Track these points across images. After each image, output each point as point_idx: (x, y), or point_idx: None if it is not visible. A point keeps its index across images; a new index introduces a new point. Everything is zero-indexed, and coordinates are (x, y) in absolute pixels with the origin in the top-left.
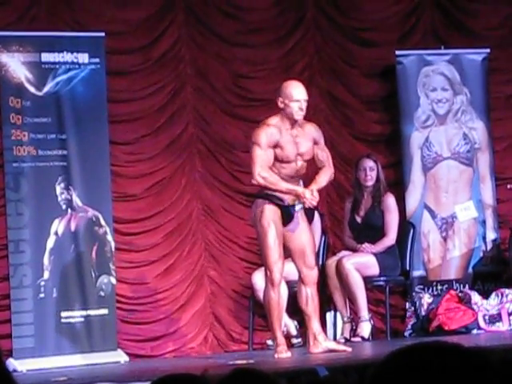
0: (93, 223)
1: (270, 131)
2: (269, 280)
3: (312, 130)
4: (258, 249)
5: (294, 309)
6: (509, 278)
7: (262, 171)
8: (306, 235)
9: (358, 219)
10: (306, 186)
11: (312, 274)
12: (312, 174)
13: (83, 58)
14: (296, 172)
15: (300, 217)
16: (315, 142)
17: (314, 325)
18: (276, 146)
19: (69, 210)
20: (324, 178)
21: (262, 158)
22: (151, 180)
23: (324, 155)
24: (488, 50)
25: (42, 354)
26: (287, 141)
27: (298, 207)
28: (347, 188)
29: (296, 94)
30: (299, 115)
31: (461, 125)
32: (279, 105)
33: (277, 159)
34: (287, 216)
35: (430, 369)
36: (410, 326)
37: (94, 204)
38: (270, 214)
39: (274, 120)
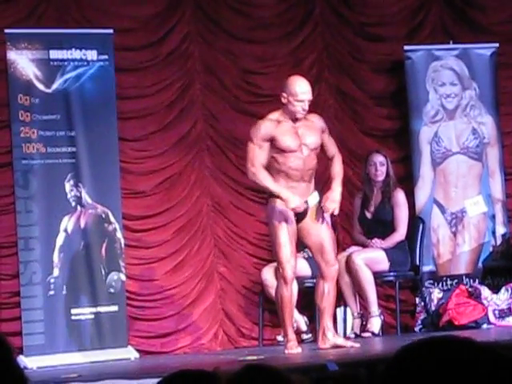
0: (102, 220)
1: (264, 125)
2: (281, 277)
3: (316, 120)
4: (269, 245)
5: (304, 304)
6: None
7: (254, 168)
8: (325, 231)
9: (368, 214)
10: (317, 182)
11: (331, 271)
12: (323, 169)
13: (92, 54)
14: (304, 164)
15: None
16: (322, 131)
17: (326, 321)
18: (272, 139)
19: (78, 207)
20: (338, 180)
21: (255, 154)
22: (160, 176)
23: (331, 144)
24: (497, 45)
25: (52, 351)
26: (286, 131)
27: (311, 203)
28: (357, 183)
29: (301, 94)
30: (301, 114)
31: (470, 119)
32: (282, 100)
33: (278, 150)
34: (299, 214)
35: (441, 363)
36: (420, 321)
37: (104, 201)
38: (283, 211)
39: (274, 115)
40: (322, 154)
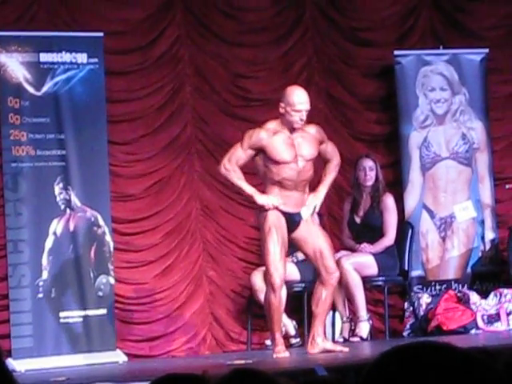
0: (91, 223)
1: (258, 134)
2: (269, 284)
3: (314, 131)
4: (258, 249)
5: (293, 309)
6: (507, 278)
7: (229, 164)
8: (321, 238)
9: (357, 219)
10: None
11: (332, 277)
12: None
13: (82, 57)
14: (298, 175)
15: (310, 221)
16: (321, 143)
17: (317, 326)
18: (262, 149)
19: (67, 210)
20: (326, 181)
21: (236, 153)
22: (150, 180)
23: (329, 150)
24: (487, 50)
25: (40, 354)
26: (282, 142)
27: (304, 215)
28: (346, 188)
29: (299, 104)
30: (298, 125)
31: (459, 125)
32: (280, 110)
33: (272, 161)
34: (291, 223)
35: (420, 369)
36: (408, 326)
37: (93, 204)
38: (273, 218)
39: (272, 124)
40: (319, 162)
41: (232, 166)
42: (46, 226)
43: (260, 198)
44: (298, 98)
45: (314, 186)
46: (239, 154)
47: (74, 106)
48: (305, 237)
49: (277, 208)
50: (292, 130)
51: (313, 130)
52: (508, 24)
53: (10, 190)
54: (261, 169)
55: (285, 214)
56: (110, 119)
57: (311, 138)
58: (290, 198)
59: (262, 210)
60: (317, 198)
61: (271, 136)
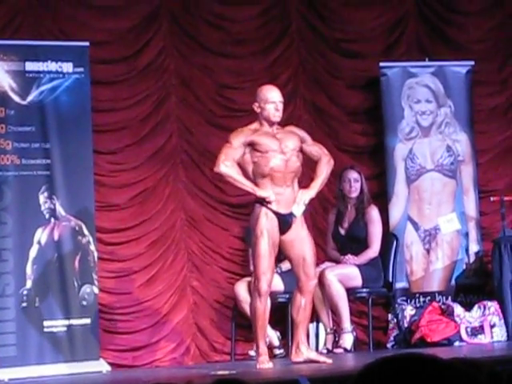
0: (76, 232)
1: (243, 131)
2: (256, 289)
3: (293, 129)
4: (242, 260)
5: (277, 319)
6: (491, 291)
7: (227, 161)
8: (307, 244)
9: (342, 231)
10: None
11: (310, 284)
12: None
13: (67, 67)
14: (286, 165)
15: (300, 224)
16: (302, 141)
17: (300, 334)
18: (249, 144)
19: (52, 220)
20: (319, 179)
21: (229, 151)
22: (135, 190)
23: (316, 149)
24: (472, 63)
25: (24, 362)
26: (264, 136)
27: (297, 213)
28: (331, 199)
29: (271, 96)
30: (276, 116)
31: (444, 137)
32: (256, 109)
33: (259, 154)
34: (284, 224)
35: (405, 380)
36: (392, 338)
37: (78, 213)
38: (266, 221)
39: (252, 126)
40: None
41: (231, 163)
42: (30, 235)
43: (260, 191)
44: (269, 91)
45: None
46: (232, 152)
47: (60, 115)
48: (293, 240)
49: (270, 209)
50: (271, 124)
51: (292, 128)
52: (493, 37)
53: None
54: (250, 167)
55: (277, 215)
56: (96, 129)
57: (291, 132)
58: (282, 196)
59: (256, 209)
60: (307, 194)
61: (255, 132)
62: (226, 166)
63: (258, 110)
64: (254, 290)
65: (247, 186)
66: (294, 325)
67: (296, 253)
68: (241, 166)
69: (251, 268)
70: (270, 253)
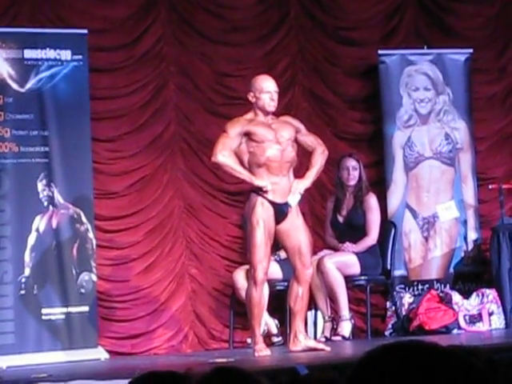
0: (74, 220)
1: (239, 120)
2: (252, 278)
3: (288, 119)
4: (240, 247)
5: (275, 307)
6: (490, 279)
7: (224, 151)
8: (303, 233)
9: (340, 218)
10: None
11: (306, 273)
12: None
13: (66, 54)
14: (282, 155)
15: (295, 214)
16: (297, 131)
17: (298, 323)
18: (245, 134)
19: (50, 207)
20: (313, 169)
21: (226, 141)
22: (133, 177)
23: (311, 139)
24: (471, 51)
25: (22, 350)
26: (260, 126)
27: (292, 203)
28: (329, 187)
29: (266, 86)
30: (271, 106)
31: (443, 125)
32: (251, 99)
33: (255, 144)
34: (280, 214)
35: (406, 368)
36: (390, 326)
37: (76, 201)
38: (262, 211)
39: (248, 115)
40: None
41: (228, 152)
42: (28, 223)
43: (257, 180)
44: (265, 82)
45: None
46: (229, 141)
47: (58, 102)
48: (289, 230)
49: (266, 198)
50: (266, 113)
51: (286, 118)
52: (492, 24)
53: None
54: (246, 156)
55: (273, 204)
56: (94, 116)
57: (286, 122)
58: (277, 186)
59: (252, 198)
60: (301, 183)
61: (250, 122)
62: (224, 156)
63: (253, 100)
64: (250, 278)
65: (245, 175)
66: (292, 314)
67: (292, 242)
68: (237, 156)
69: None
70: (266, 242)
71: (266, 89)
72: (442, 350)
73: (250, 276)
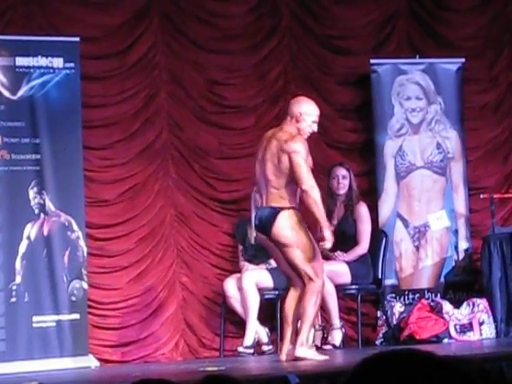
0: (65, 228)
1: (305, 141)
2: (318, 287)
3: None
4: (231, 256)
5: (266, 316)
6: (480, 288)
7: (313, 180)
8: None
9: (331, 228)
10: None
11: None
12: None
13: (58, 62)
14: None
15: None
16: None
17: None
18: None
19: (41, 215)
20: (315, 215)
21: (307, 169)
22: (124, 185)
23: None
24: (463, 60)
25: (13, 358)
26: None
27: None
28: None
29: (315, 115)
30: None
31: (434, 134)
32: (302, 119)
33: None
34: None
35: (401, 377)
36: (381, 335)
37: (67, 209)
38: (301, 217)
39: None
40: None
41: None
42: (19, 230)
43: (328, 231)
44: (314, 108)
45: None
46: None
47: (50, 110)
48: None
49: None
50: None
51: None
52: (484, 34)
53: None
54: (287, 170)
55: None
56: (86, 124)
57: None
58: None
59: (283, 210)
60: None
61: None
62: (315, 190)
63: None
64: (311, 287)
65: (323, 216)
66: (287, 323)
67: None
68: (280, 173)
69: (240, 265)
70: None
71: (315, 117)
72: (437, 359)
73: (311, 284)
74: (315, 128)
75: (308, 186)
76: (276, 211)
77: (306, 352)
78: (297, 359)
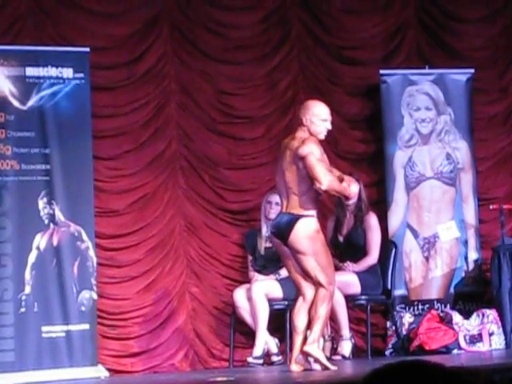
0: (75, 238)
1: (318, 142)
2: (330, 294)
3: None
4: (241, 266)
5: (275, 327)
6: (490, 299)
7: (329, 175)
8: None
9: (341, 238)
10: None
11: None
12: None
13: (68, 72)
14: None
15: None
16: None
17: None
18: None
19: (51, 225)
20: None
21: (323, 165)
22: (134, 196)
23: None
24: (472, 71)
25: (22, 368)
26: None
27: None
28: (330, 206)
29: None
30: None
31: (444, 145)
32: (305, 122)
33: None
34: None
35: None
36: (390, 345)
37: (77, 219)
38: (319, 229)
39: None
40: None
41: (330, 174)
42: (29, 241)
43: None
44: (324, 109)
45: None
46: (322, 163)
47: (60, 120)
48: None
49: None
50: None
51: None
52: (493, 44)
53: None
54: (306, 176)
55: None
56: (95, 134)
57: None
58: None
59: (303, 220)
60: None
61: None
62: (331, 181)
63: (308, 123)
64: (323, 296)
65: (347, 190)
66: (297, 333)
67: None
68: (300, 179)
69: (250, 275)
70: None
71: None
72: (446, 370)
73: (325, 294)
74: (328, 126)
75: (325, 185)
76: (295, 218)
77: (316, 351)
78: (305, 354)
